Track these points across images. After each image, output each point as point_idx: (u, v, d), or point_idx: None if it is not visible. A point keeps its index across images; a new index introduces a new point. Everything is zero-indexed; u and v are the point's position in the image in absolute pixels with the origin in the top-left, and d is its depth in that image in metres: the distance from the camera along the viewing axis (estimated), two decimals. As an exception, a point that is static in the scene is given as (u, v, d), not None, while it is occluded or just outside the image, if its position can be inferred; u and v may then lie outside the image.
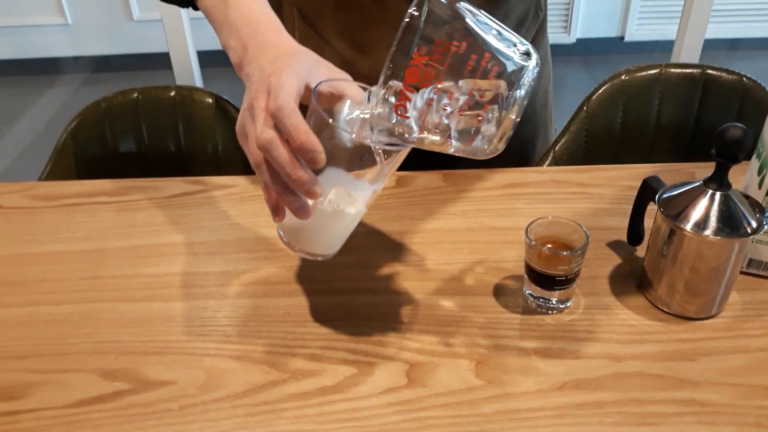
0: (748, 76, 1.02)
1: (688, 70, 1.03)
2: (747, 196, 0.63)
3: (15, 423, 0.58)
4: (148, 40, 3.22)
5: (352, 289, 0.70)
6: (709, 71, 1.03)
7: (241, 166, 1.03)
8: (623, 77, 1.03)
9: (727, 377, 0.59)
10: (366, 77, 0.56)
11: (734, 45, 3.16)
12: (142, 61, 3.29)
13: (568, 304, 0.67)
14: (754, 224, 0.61)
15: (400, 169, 0.88)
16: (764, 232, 0.64)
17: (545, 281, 0.64)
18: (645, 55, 3.21)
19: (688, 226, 0.61)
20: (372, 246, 0.76)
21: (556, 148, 1.02)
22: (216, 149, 1.01)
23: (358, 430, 0.56)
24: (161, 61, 2.05)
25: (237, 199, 0.86)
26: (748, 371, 0.60)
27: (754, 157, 0.70)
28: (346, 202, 0.57)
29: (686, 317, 0.65)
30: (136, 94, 1.01)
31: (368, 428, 0.56)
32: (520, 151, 0.98)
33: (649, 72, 1.03)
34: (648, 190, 0.68)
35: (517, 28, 0.88)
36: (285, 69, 0.53)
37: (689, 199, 0.62)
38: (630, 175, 0.87)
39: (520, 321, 0.66)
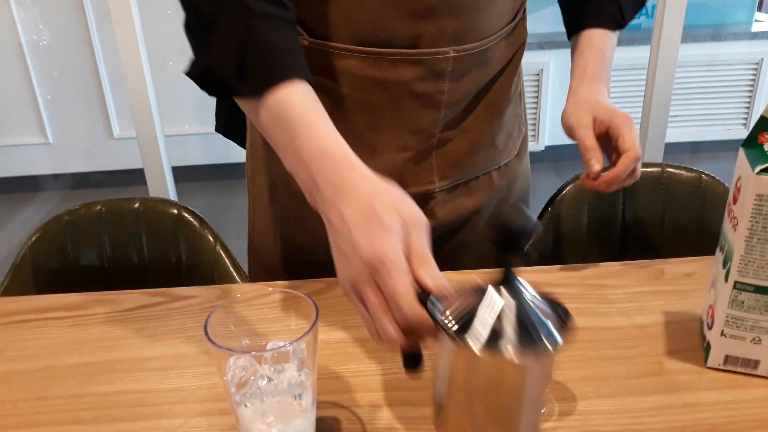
0: (707, 173, 1.05)
1: (649, 169, 1.05)
2: (546, 298, 0.50)
3: None
4: (128, 156, 3.26)
5: (313, 402, 0.66)
6: (669, 170, 1.05)
7: (206, 277, 1.00)
8: (586, 178, 1.05)
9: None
10: None
11: (696, 147, 3.28)
12: (122, 178, 3.32)
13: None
14: (554, 338, 0.46)
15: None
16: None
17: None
18: (613, 159, 3.30)
19: (471, 342, 0.46)
20: (335, 355, 0.73)
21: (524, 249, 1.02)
22: (180, 260, 0.99)
23: None
24: (141, 177, 2.07)
25: (197, 311, 0.83)
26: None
27: (717, 250, 0.70)
28: (291, 416, 0.57)
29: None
30: (99, 207, 1.00)
31: None
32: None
33: (611, 172, 1.04)
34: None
35: (506, 142, 0.92)
36: (382, 244, 0.51)
37: (471, 301, 0.48)
38: (601, 273, 0.86)
39: None
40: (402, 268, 0.51)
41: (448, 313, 0.49)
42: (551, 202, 1.07)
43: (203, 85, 0.64)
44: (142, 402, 0.68)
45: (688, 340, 0.73)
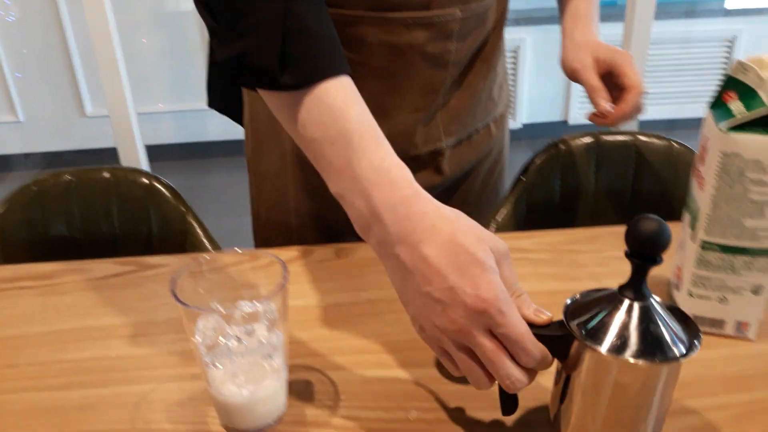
0: (678, 141, 1.06)
1: (621, 138, 1.06)
2: (672, 307, 0.51)
3: None
4: (101, 135, 3.22)
5: (286, 365, 0.67)
6: (641, 138, 1.06)
7: (177, 247, 0.99)
8: (559, 146, 1.06)
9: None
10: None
11: (670, 125, 3.32)
12: (96, 157, 3.27)
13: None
14: (681, 345, 0.48)
15: (341, 241, 0.88)
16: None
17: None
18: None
19: (598, 346, 0.48)
20: (309, 320, 0.73)
21: (498, 218, 1.02)
22: (150, 230, 0.98)
23: None
24: (114, 156, 2.04)
25: (168, 279, 0.81)
26: None
27: (684, 211, 0.70)
28: (261, 376, 0.57)
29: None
30: (68, 177, 0.98)
31: None
32: None
33: (584, 140, 1.05)
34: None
35: (500, 92, 0.95)
36: (488, 285, 0.47)
37: (601, 313, 0.49)
38: (571, 239, 0.87)
39: (462, 390, 0.62)
40: (514, 307, 0.49)
41: (578, 325, 0.50)
42: (524, 170, 1.07)
43: (235, 73, 0.57)
44: (113, 368, 0.67)
45: (657, 301, 0.75)
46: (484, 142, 0.95)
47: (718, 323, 0.68)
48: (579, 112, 3.34)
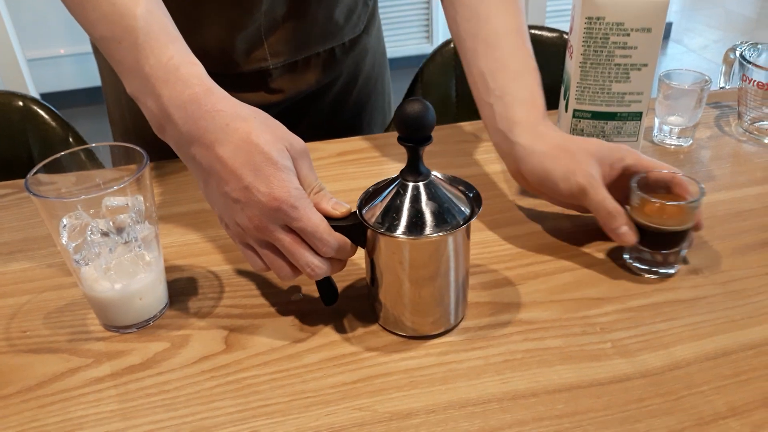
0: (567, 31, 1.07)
1: (512, 33, 1.06)
2: (456, 179, 0.54)
3: None
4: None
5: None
6: (532, 31, 1.06)
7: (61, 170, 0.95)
8: (452, 45, 1.05)
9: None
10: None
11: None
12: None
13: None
14: (466, 210, 0.51)
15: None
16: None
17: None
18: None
19: (389, 230, 0.49)
20: (190, 224, 0.72)
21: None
22: (31, 155, 0.92)
23: (167, 402, 0.51)
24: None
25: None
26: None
27: (562, 86, 0.71)
28: (134, 270, 0.56)
29: (422, 337, 0.55)
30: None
31: (178, 399, 0.51)
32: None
33: (476, 38, 1.04)
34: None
35: (349, 17, 0.88)
36: (280, 184, 0.48)
37: (388, 198, 0.51)
38: (459, 132, 0.88)
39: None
40: (309, 202, 0.50)
41: (372, 215, 0.51)
42: (421, 70, 1.06)
43: None
44: (-13, 284, 0.64)
45: (542, 180, 0.76)
46: (328, 66, 0.88)
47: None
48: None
